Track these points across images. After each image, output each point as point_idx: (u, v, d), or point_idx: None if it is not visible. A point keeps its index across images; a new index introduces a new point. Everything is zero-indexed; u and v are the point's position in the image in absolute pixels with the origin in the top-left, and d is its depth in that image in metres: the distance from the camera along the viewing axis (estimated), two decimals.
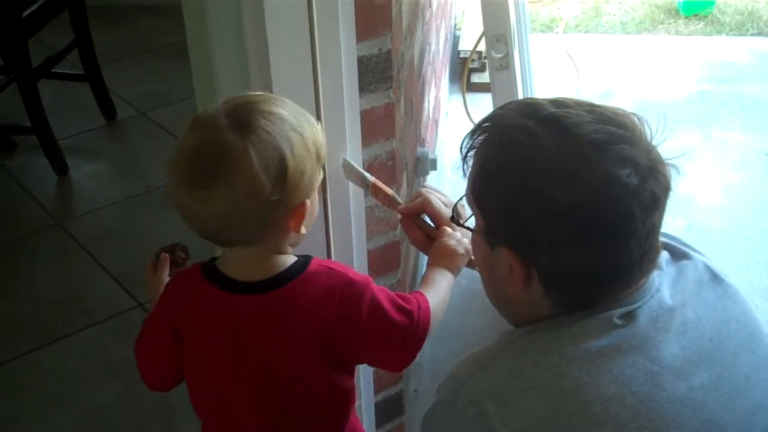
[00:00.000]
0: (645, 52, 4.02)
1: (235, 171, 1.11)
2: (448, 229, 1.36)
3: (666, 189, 1.03)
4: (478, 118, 2.34)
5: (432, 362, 2.30)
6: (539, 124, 1.02)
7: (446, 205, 1.38)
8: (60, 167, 3.19)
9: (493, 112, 1.12)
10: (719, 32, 4.20)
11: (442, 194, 1.41)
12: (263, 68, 1.32)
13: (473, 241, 1.13)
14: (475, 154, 1.08)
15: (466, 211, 1.14)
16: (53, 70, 3.32)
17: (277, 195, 1.13)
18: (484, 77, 3.56)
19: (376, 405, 1.82)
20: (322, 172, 1.23)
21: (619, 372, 0.99)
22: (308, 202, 1.19)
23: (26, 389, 2.28)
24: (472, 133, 1.09)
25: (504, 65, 2.13)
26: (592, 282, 1.03)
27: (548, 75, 3.64)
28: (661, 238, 1.12)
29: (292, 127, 1.15)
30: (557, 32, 4.19)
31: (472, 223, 1.14)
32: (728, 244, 2.71)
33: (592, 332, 1.02)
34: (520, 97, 2.32)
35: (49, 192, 3.20)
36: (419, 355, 2.32)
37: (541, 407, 0.99)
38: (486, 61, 3.56)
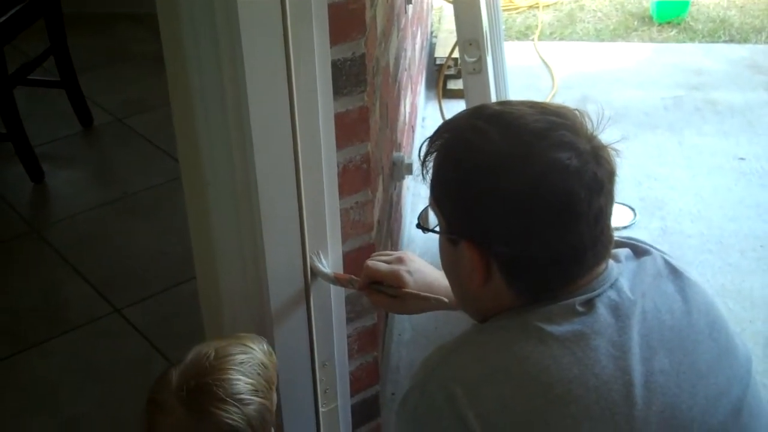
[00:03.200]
0: (619, 59, 4.06)
1: None
2: (406, 278, 1.43)
3: (610, 174, 1.07)
4: None
5: (409, 366, 2.31)
6: (485, 122, 1.08)
7: (389, 263, 1.46)
8: (36, 174, 3.18)
9: (448, 119, 1.18)
10: (692, 39, 4.25)
11: (385, 255, 1.50)
12: (237, 72, 1.33)
13: (440, 245, 1.17)
14: (433, 159, 1.14)
15: (431, 219, 1.19)
16: (29, 77, 3.31)
17: None
18: (459, 84, 3.58)
19: (353, 407, 1.83)
20: (276, 379, 1.35)
21: (582, 355, 1.03)
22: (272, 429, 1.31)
23: (4, 395, 2.27)
24: (430, 139, 1.14)
25: (477, 69, 2.15)
26: (549, 267, 1.07)
27: (524, 82, 3.67)
28: (623, 239, 1.19)
29: (248, 402, 1.25)
30: (532, 39, 4.23)
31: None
32: (701, 248, 2.74)
33: (555, 318, 1.05)
34: (494, 101, 2.34)
35: (25, 199, 3.19)
36: (396, 359, 2.35)
37: (506, 391, 1.02)
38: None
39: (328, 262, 1.57)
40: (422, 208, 1.24)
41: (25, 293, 2.63)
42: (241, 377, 1.27)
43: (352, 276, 1.53)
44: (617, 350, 1.04)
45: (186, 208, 1.56)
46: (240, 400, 1.25)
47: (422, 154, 1.15)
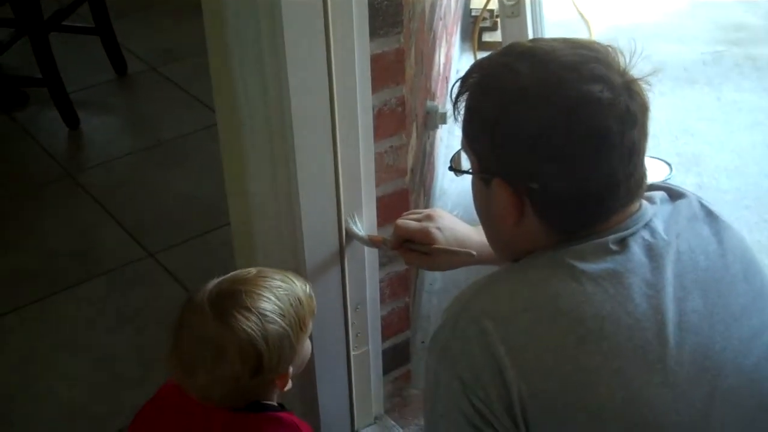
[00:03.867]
0: (658, 13, 3.99)
1: (217, 365, 1.27)
2: (436, 234, 1.44)
3: (643, 107, 1.06)
4: None
5: (440, 315, 2.31)
6: (516, 58, 1.07)
7: (419, 221, 1.47)
8: (71, 120, 3.20)
9: (479, 59, 1.17)
10: None
11: (415, 213, 1.51)
12: (274, 12, 1.32)
13: (473, 187, 1.17)
14: (465, 99, 1.13)
15: (464, 162, 1.18)
16: (63, 23, 3.32)
17: (256, 380, 1.29)
18: (495, 36, 3.55)
19: (384, 352, 1.84)
20: (310, 327, 1.38)
21: (615, 293, 1.02)
22: (291, 368, 1.34)
23: (38, 335, 2.30)
24: (461, 79, 1.13)
25: (515, 12, 2.13)
26: (581, 202, 1.06)
27: (560, 34, 3.61)
28: (658, 184, 1.18)
29: (270, 320, 1.29)
30: None
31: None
32: (737, 204, 2.71)
33: (588, 256, 1.05)
34: None
35: (61, 144, 3.21)
36: (427, 308, 2.35)
37: (537, 325, 1.02)
38: (497, 19, 3.55)
39: (362, 209, 1.57)
40: (455, 152, 1.23)
41: (60, 237, 2.66)
42: (271, 296, 1.31)
43: (386, 237, 1.54)
44: (650, 289, 1.03)
45: (221, 150, 1.56)
46: (263, 315, 1.28)
47: (454, 94, 1.14)
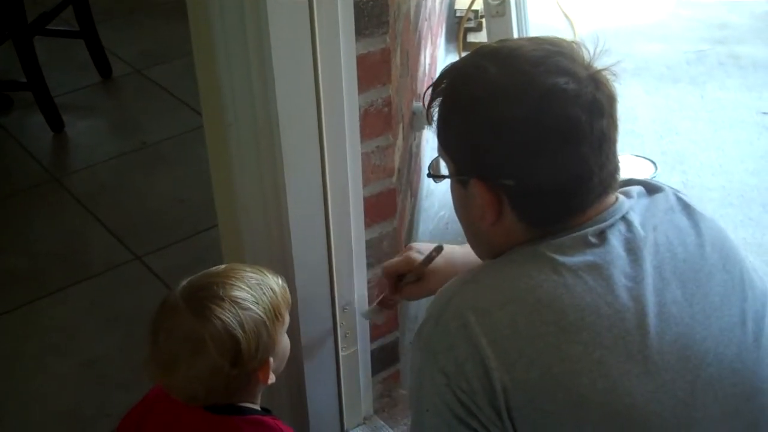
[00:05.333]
0: (642, 13, 4.01)
1: (196, 358, 1.27)
2: (415, 256, 1.47)
3: (610, 97, 1.07)
4: None
5: None
6: (483, 58, 1.10)
7: (422, 252, 1.48)
8: (56, 123, 3.19)
9: (448, 64, 1.19)
10: None
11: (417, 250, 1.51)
12: (260, 13, 1.32)
13: (452, 191, 1.18)
14: (437, 105, 1.15)
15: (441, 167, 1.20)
16: (48, 27, 3.30)
17: (237, 370, 1.28)
18: (480, 36, 3.56)
19: (372, 352, 1.84)
20: (286, 319, 1.38)
21: (595, 284, 1.04)
22: (271, 359, 1.34)
23: (25, 339, 2.30)
24: (432, 86, 1.15)
25: (500, 12, 2.13)
26: (557, 196, 1.08)
27: (544, 33, 3.62)
28: (635, 179, 1.20)
29: (244, 307, 1.30)
30: None
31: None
32: (722, 201, 2.72)
33: (567, 249, 1.06)
34: None
35: (45, 148, 3.20)
36: (415, 308, 2.36)
37: (519, 317, 1.03)
38: (482, 20, 3.56)
39: (350, 206, 1.57)
40: (433, 158, 1.24)
41: (45, 240, 2.65)
42: (243, 285, 1.32)
43: (384, 293, 1.59)
44: (630, 281, 1.05)
45: (208, 152, 1.56)
46: (236, 302, 1.29)
47: (427, 101, 1.16)
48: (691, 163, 2.90)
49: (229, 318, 1.27)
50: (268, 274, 1.37)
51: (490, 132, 1.07)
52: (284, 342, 1.39)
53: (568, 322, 1.02)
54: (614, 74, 1.08)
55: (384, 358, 1.93)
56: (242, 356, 1.28)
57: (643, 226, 1.10)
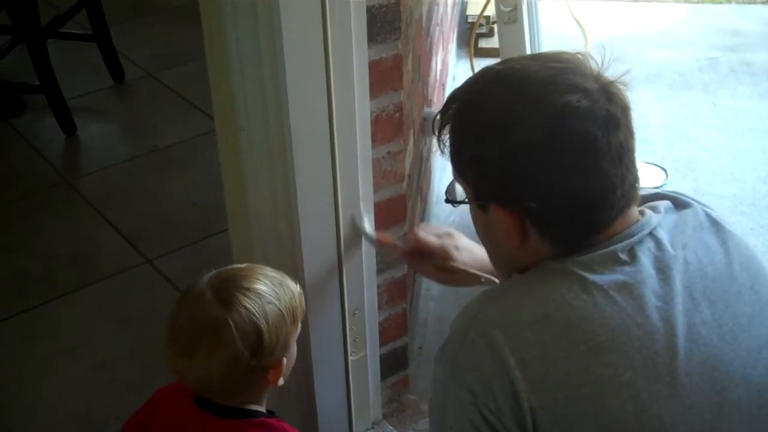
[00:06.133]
0: (654, 20, 4.01)
1: (218, 344, 1.27)
2: (455, 254, 1.45)
3: (623, 108, 1.05)
4: None
5: (437, 320, 2.32)
6: (489, 83, 1.08)
7: (439, 236, 1.47)
8: (68, 126, 3.20)
9: (453, 89, 1.17)
10: (728, 0, 4.18)
11: (433, 228, 1.53)
12: (273, 18, 1.33)
13: (472, 215, 1.16)
14: (448, 132, 1.13)
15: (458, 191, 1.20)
16: (61, 30, 3.32)
17: (255, 362, 1.29)
18: (491, 42, 3.56)
19: (382, 357, 1.84)
20: (299, 326, 1.38)
21: (626, 305, 1.02)
22: (284, 359, 1.34)
23: (37, 340, 2.30)
24: (440, 113, 1.14)
25: (512, 19, 2.14)
26: (580, 213, 1.06)
27: (556, 41, 3.62)
28: (664, 192, 1.18)
29: (268, 300, 1.31)
30: None
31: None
32: (734, 209, 2.71)
33: (597, 267, 1.04)
34: (528, 51, 2.32)
35: (58, 151, 3.21)
36: (424, 313, 2.35)
37: (547, 337, 1.01)
38: (494, 26, 3.56)
39: (363, 213, 1.58)
40: (449, 183, 1.23)
41: (57, 243, 2.66)
42: (268, 282, 1.33)
43: (396, 242, 1.56)
44: (660, 300, 1.03)
45: (219, 155, 1.57)
46: (261, 295, 1.31)
47: (436, 129, 1.14)
48: (702, 171, 2.90)
49: (254, 308, 1.28)
50: (286, 278, 1.38)
51: (506, 158, 1.05)
52: (294, 349, 1.39)
53: (598, 343, 1.00)
54: (625, 84, 1.07)
55: (393, 363, 1.93)
56: (263, 348, 1.28)
57: (672, 243, 1.08)
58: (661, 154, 2.94)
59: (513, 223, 1.07)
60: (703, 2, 4.17)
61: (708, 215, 1.15)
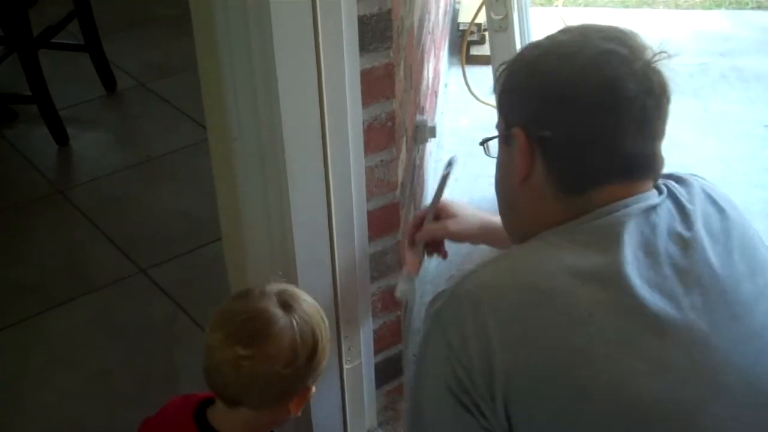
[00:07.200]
0: (644, 26, 4.02)
1: (280, 339, 1.28)
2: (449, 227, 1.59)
3: (661, 85, 1.12)
4: (477, 90, 2.47)
5: None
6: (563, 31, 1.19)
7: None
8: (60, 137, 3.20)
9: None
10: (719, 6, 4.20)
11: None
12: (264, 27, 1.33)
13: (497, 157, 1.23)
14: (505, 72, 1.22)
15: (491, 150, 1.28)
16: (53, 41, 3.32)
17: (304, 370, 1.31)
18: (483, 50, 3.58)
19: (376, 365, 1.84)
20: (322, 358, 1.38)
21: (611, 282, 1.04)
22: (313, 388, 1.37)
23: (31, 351, 2.30)
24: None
25: (503, 26, 2.14)
26: (588, 155, 1.11)
27: None
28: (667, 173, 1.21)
29: (321, 317, 1.36)
30: (557, 5, 4.19)
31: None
32: None
33: (593, 243, 1.07)
34: None
35: (50, 161, 3.21)
36: (418, 322, 2.35)
37: (530, 302, 1.04)
38: (485, 33, 3.57)
39: (354, 219, 1.58)
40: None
41: (50, 253, 2.66)
42: (319, 308, 1.38)
43: (413, 258, 1.63)
44: (649, 282, 1.04)
45: (212, 165, 1.57)
46: (318, 312, 1.36)
47: (498, 70, 1.24)
48: None
49: (313, 318, 1.33)
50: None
51: (539, 85, 1.14)
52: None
53: (578, 313, 1.02)
54: (668, 54, 1.13)
55: (388, 371, 1.93)
56: (316, 357, 1.31)
57: (669, 226, 1.09)
58: None
59: (526, 150, 1.13)
60: (693, 8, 4.20)
61: (709, 197, 1.17)
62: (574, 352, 1.01)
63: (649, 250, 1.07)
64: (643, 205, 1.09)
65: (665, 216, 1.10)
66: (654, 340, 1.02)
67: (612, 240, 1.07)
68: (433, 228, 1.60)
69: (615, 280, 1.04)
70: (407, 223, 1.67)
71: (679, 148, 3.06)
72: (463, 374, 1.04)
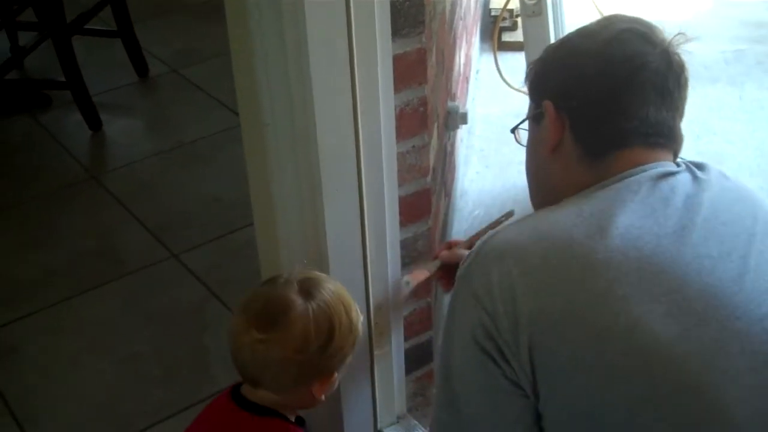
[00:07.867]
0: (679, 11, 3.97)
1: (293, 326, 1.30)
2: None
3: (680, 66, 1.20)
4: (509, 76, 2.48)
5: None
6: (598, 20, 1.28)
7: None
8: (94, 122, 3.23)
9: None
10: None
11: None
12: (297, 13, 1.33)
13: (529, 135, 1.31)
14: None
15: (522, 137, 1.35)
16: (86, 27, 3.35)
17: (318, 357, 1.32)
18: (515, 36, 3.55)
19: (406, 352, 1.84)
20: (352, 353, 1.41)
21: (625, 231, 1.08)
22: (336, 374, 1.38)
23: (63, 334, 2.33)
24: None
25: (536, 11, 2.13)
26: (615, 121, 1.18)
27: None
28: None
29: (346, 310, 1.36)
30: None
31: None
32: None
33: (618, 199, 1.12)
34: None
35: (83, 146, 3.24)
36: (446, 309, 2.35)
37: (551, 251, 1.10)
38: (517, 19, 3.54)
39: (385, 205, 1.58)
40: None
41: (83, 238, 2.68)
42: (348, 297, 1.39)
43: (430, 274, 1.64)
44: (662, 230, 1.09)
45: (244, 150, 1.57)
46: (341, 301, 1.36)
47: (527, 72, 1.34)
48: (728, 164, 2.87)
49: (333, 306, 1.34)
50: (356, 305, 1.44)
51: (565, 59, 1.24)
52: (342, 373, 1.41)
53: (597, 259, 1.07)
54: (686, 35, 1.20)
55: (418, 358, 1.93)
56: (332, 345, 1.32)
57: (687, 190, 1.13)
58: (687, 147, 2.88)
59: (555, 121, 1.22)
60: None
61: (724, 175, 1.22)
62: (594, 295, 1.05)
63: (667, 203, 1.12)
64: (662, 170, 1.15)
65: (683, 180, 1.15)
66: (671, 282, 1.06)
67: (632, 194, 1.12)
68: (461, 254, 1.57)
69: (636, 227, 1.09)
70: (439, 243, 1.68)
71: (714, 135, 3.03)
72: (488, 321, 1.09)
